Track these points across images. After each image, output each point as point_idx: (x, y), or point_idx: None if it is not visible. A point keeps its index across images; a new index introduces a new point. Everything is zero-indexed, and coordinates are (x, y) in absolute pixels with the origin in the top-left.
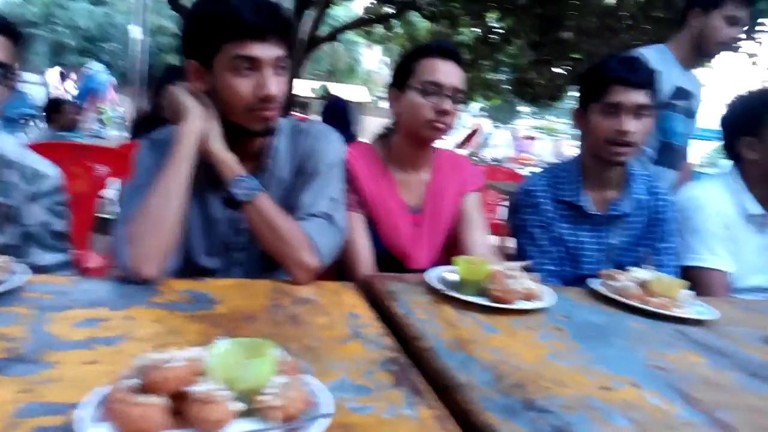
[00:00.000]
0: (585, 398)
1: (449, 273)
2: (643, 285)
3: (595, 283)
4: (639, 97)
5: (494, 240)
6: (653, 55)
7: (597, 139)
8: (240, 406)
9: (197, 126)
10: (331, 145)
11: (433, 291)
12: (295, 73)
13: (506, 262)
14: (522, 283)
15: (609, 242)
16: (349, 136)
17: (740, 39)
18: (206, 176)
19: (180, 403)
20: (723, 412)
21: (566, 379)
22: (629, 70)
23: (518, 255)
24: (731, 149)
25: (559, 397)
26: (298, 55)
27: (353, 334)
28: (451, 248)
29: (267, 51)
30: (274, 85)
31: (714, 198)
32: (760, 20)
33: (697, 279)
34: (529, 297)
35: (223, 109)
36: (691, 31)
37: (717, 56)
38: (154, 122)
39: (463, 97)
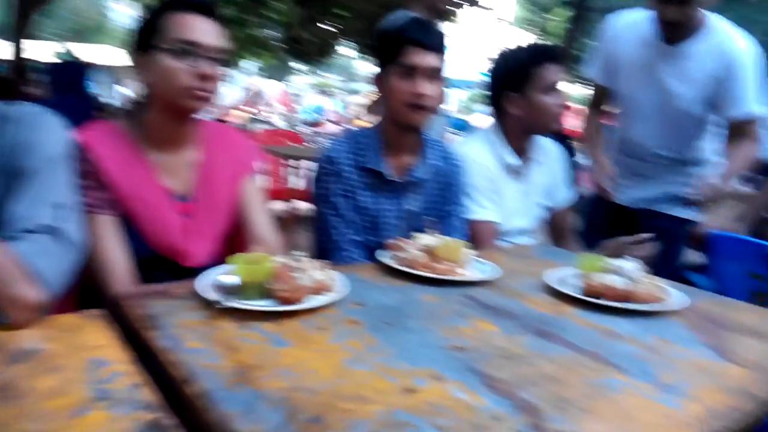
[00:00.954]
0: (390, 413)
1: (227, 276)
2: (429, 251)
3: (384, 256)
4: (433, 59)
5: (281, 206)
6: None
7: (396, 102)
8: None
9: None
10: (50, 133)
11: (208, 303)
12: (22, 33)
13: (293, 252)
14: (310, 275)
15: (407, 208)
16: (87, 112)
17: None
18: None
19: None
20: (524, 390)
21: (368, 391)
22: (424, 33)
23: (320, 224)
24: (495, 102)
25: (363, 422)
26: (24, 10)
27: (96, 395)
28: (234, 238)
29: None
30: None
31: (477, 153)
32: None
33: (470, 231)
34: (319, 290)
35: None
36: None
37: (452, 12)
38: None
39: (226, 58)
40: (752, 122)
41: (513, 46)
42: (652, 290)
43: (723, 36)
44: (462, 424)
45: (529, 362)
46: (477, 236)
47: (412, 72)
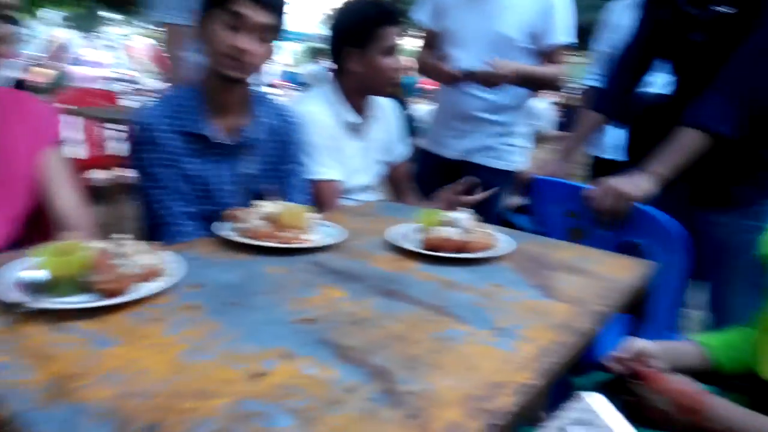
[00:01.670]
0: (237, 404)
1: (33, 271)
2: (271, 219)
3: (223, 228)
4: (266, 17)
5: (103, 175)
6: None
7: (215, 51)
8: None
9: None
10: None
11: (11, 307)
12: None
13: (113, 235)
14: (136, 261)
15: (243, 172)
16: None
17: None
18: None
19: None
20: (375, 355)
21: (211, 383)
22: None
23: (145, 198)
24: (335, 57)
25: (207, 420)
26: None
27: None
28: (36, 220)
29: None
30: None
31: (316, 111)
32: None
33: (313, 191)
34: (149, 276)
35: None
36: None
37: None
38: None
39: (12, 14)
40: (563, 49)
41: (355, 1)
42: (483, 238)
43: None
44: (315, 403)
45: (377, 325)
46: (320, 196)
47: (238, 22)
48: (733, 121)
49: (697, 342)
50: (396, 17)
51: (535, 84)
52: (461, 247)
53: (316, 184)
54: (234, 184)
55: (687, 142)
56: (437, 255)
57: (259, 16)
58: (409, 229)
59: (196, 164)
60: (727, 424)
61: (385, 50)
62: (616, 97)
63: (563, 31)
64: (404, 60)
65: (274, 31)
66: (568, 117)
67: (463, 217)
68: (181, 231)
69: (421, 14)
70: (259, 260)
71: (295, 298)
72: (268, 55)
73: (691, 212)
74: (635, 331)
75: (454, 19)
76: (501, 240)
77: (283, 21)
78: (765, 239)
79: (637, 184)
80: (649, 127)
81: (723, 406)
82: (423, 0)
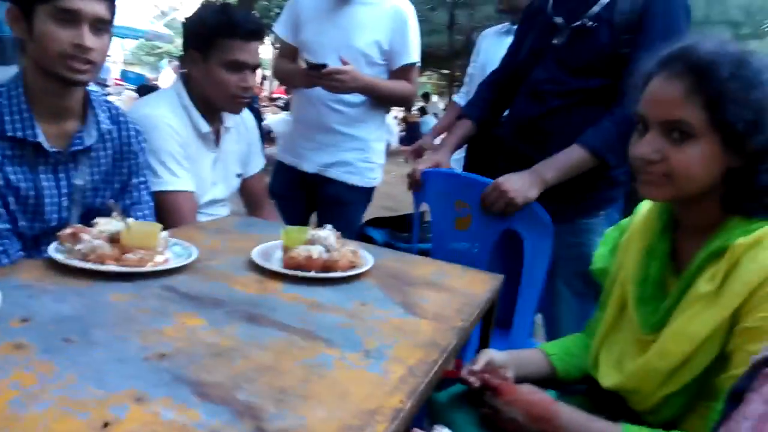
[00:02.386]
0: None
1: None
2: (114, 239)
3: (55, 250)
4: (100, 7)
5: None
6: None
7: (49, 52)
8: None
9: None
10: None
11: None
12: None
13: None
14: None
15: (74, 183)
16: None
17: None
18: None
19: None
20: (241, 390)
21: None
22: None
23: None
24: (184, 59)
25: None
26: None
27: None
28: None
29: None
30: None
31: (165, 115)
32: None
33: (164, 205)
34: None
35: None
36: None
37: None
38: None
39: None
40: (413, 68)
41: (217, 3)
42: (347, 256)
43: None
44: None
45: (242, 355)
46: (171, 210)
47: (72, 17)
48: (624, 160)
49: (540, 349)
50: (246, 32)
51: (384, 98)
52: (326, 266)
53: (165, 196)
54: (67, 198)
55: (580, 162)
56: (302, 275)
57: (94, 8)
58: (272, 247)
59: (20, 174)
60: (574, 430)
61: (226, 63)
62: (480, 104)
63: (415, 51)
64: (257, 74)
65: (108, 23)
66: (409, 132)
67: (327, 234)
68: (0, 252)
69: (279, 27)
70: (100, 287)
71: (146, 329)
72: (106, 50)
73: None
74: (490, 340)
75: (311, 32)
76: (364, 257)
77: (115, 10)
78: (597, 255)
79: (523, 191)
80: (487, 143)
81: (570, 414)
82: (282, 13)
